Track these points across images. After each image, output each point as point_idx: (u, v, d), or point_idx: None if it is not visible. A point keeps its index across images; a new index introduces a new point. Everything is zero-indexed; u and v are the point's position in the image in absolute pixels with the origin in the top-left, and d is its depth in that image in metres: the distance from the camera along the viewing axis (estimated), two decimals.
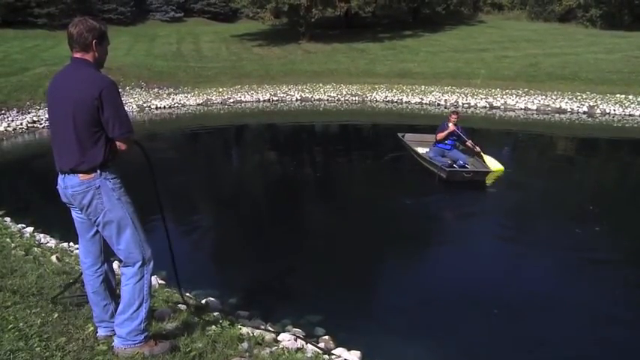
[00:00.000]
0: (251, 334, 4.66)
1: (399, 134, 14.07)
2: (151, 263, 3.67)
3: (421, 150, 12.61)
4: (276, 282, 7.04)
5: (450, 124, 11.85)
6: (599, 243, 8.42)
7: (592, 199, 10.45)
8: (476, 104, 21.38)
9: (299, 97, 23.43)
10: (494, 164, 11.66)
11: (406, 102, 22.15)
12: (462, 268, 7.49)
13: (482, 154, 11.86)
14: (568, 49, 29.87)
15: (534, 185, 11.43)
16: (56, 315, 4.14)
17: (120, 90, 3.52)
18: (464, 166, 11.67)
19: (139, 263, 3.60)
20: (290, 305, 6.35)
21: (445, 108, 21.14)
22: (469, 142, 11.95)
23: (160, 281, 6.17)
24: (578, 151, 15.89)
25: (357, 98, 23.09)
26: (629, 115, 19.36)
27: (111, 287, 3.84)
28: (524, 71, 24.96)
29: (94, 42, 3.45)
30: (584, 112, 19.86)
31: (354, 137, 17.90)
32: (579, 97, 21.04)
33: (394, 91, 23.42)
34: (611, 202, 10.50)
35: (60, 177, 3.55)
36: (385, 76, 25.99)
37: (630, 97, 20.82)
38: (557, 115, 19.79)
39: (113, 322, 3.71)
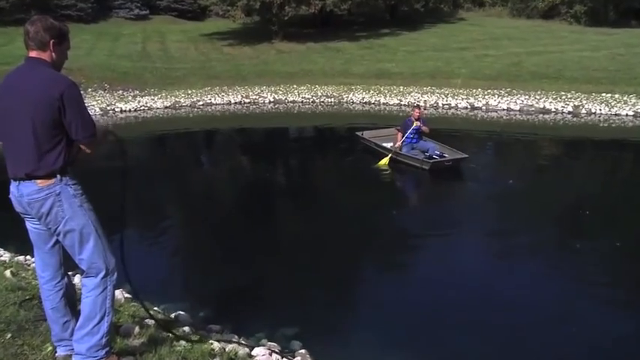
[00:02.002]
0: (223, 350, 4.63)
1: (358, 133, 14.86)
2: (115, 274, 3.62)
3: (387, 145, 13.60)
4: (250, 293, 7.01)
5: (417, 122, 13.02)
6: (590, 250, 8.48)
7: (580, 203, 10.56)
8: (456, 105, 21.54)
9: (272, 99, 23.40)
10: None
11: (384, 103, 22.24)
12: (445, 278, 7.51)
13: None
14: (552, 46, 30.24)
15: (519, 190, 11.54)
16: (9, 335, 4.04)
17: (81, 92, 3.48)
18: (440, 155, 12.86)
19: (102, 273, 3.55)
20: (265, 317, 6.32)
21: (424, 109, 21.26)
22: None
23: (126, 295, 6.10)
24: (563, 153, 16.01)
25: (332, 100, 23.14)
26: (616, 114, 19.55)
27: (71, 302, 3.78)
28: (507, 70, 25.22)
29: (51, 42, 3.41)
30: (569, 112, 20.04)
31: (330, 141, 17.93)
32: (564, 97, 21.26)
33: (371, 92, 23.52)
34: (600, 206, 10.61)
35: (13, 184, 3.48)
36: (362, 77, 26.10)
37: (616, 96, 21.05)
38: (541, 115, 19.99)
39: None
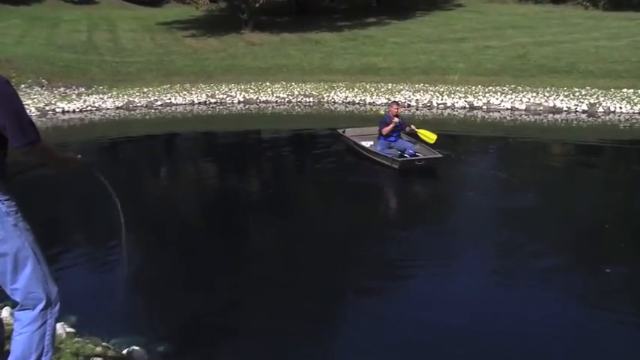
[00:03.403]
0: None
1: (339, 130, 15.52)
2: (57, 305, 3.56)
3: (365, 143, 14.30)
4: (216, 323, 6.97)
5: (396, 119, 13.73)
6: (615, 274, 8.35)
7: (599, 217, 10.56)
8: (453, 104, 21.65)
9: (242, 99, 23.36)
10: (428, 134, 13.89)
11: (370, 103, 22.29)
12: (436, 298, 7.55)
13: (416, 129, 13.93)
14: (563, 36, 30.42)
15: (527, 204, 11.52)
16: None
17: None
18: (414, 155, 13.47)
19: (42, 305, 3.47)
20: (234, 352, 6.28)
21: (417, 109, 21.38)
22: (407, 128, 14.01)
23: (69, 329, 6.01)
24: (578, 159, 15.87)
25: (311, 99, 23.17)
26: (639, 113, 19.58)
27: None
28: (511, 64, 25.43)
29: None
30: (584, 112, 20.09)
31: (309, 146, 17.91)
32: (577, 94, 21.32)
33: (356, 90, 23.58)
34: (622, 221, 10.60)
35: None
36: (345, 73, 26.18)
37: None
38: (550, 115, 20.10)
39: None
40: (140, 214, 11.23)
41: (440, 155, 13.23)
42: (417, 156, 13.50)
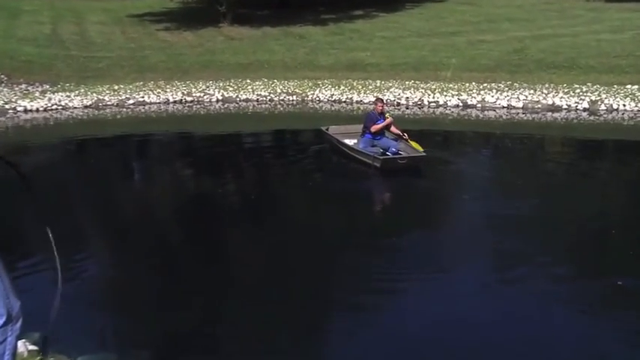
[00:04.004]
0: None
1: (323, 128, 15.84)
2: (20, 321, 3.49)
3: (348, 142, 14.64)
4: (191, 336, 6.93)
5: (389, 118, 14.18)
6: (627, 287, 8.36)
7: (604, 223, 10.57)
8: (446, 103, 21.70)
9: (220, 97, 23.30)
10: (418, 148, 14.09)
11: (357, 101, 22.31)
12: (430, 310, 7.56)
13: (409, 140, 14.16)
14: (563, 29, 30.43)
15: (525, 207, 11.53)
16: None
17: None
18: (397, 153, 13.81)
19: (1, 321, 3.41)
20: None
21: (407, 108, 21.41)
22: (394, 129, 14.31)
23: (31, 347, 5.93)
24: (579, 160, 15.93)
25: (295, 98, 23.15)
26: None
27: None
28: (507, 59, 25.50)
29: None
30: (585, 109, 20.18)
31: (291, 148, 17.89)
32: (578, 91, 21.40)
33: (342, 87, 23.58)
34: (630, 227, 10.60)
35: None
36: (330, 70, 26.16)
37: None
38: (549, 113, 20.19)
39: None
40: (110, 223, 11.19)
41: (423, 154, 13.54)
42: (399, 153, 13.82)
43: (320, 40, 31.56)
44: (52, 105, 21.81)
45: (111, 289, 8.70)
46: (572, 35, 28.65)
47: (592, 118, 19.62)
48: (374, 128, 14.07)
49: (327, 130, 15.76)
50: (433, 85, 23.30)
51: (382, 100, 15.46)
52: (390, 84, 23.76)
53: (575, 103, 20.55)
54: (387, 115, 14.35)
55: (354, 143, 14.56)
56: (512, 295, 8.15)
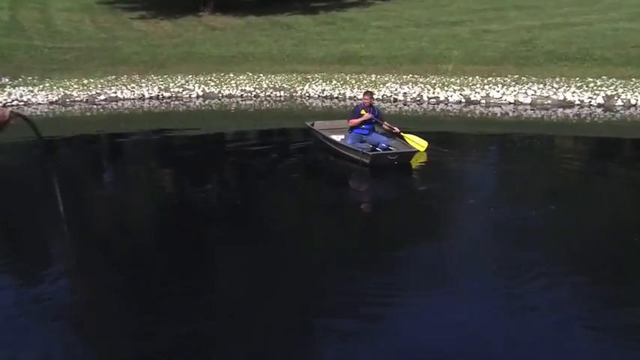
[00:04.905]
0: None
1: (308, 123, 16.18)
2: None
3: (336, 137, 14.86)
4: (170, 355, 6.92)
5: (364, 112, 14.25)
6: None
7: (624, 234, 10.51)
8: (447, 99, 21.74)
9: (201, 93, 23.34)
10: (417, 141, 14.35)
11: (351, 97, 22.35)
12: (433, 330, 7.54)
13: (402, 133, 14.40)
14: (575, 16, 30.56)
15: (536, 215, 11.34)
16: None
17: None
18: (387, 149, 13.98)
19: None
20: None
21: (404, 104, 21.46)
22: (386, 125, 14.49)
23: None
24: (592, 162, 15.75)
25: (282, 93, 23.19)
26: None
27: None
28: (514, 51, 25.59)
29: None
30: (600, 105, 20.20)
31: (278, 148, 17.85)
32: (592, 85, 21.44)
33: (334, 82, 23.65)
34: None
35: None
36: (321, 63, 26.26)
37: None
38: (560, 110, 20.20)
39: None
40: (81, 230, 11.12)
41: (416, 150, 13.92)
42: (389, 149, 14.00)
43: (310, 30, 31.61)
44: (13, 101, 21.79)
45: (82, 301, 8.68)
46: (585, 24, 28.73)
47: (607, 114, 19.61)
48: (350, 123, 14.39)
49: (312, 125, 16.00)
50: (433, 79, 23.39)
51: (371, 92, 15.52)
52: (387, 78, 23.84)
53: (589, 98, 20.57)
54: (362, 112, 14.37)
55: (342, 139, 14.77)
56: (526, 318, 8.02)
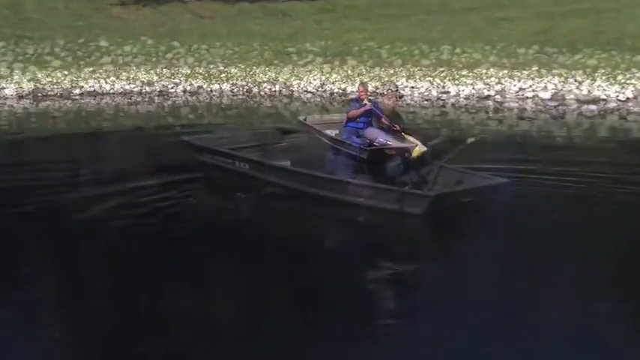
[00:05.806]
0: None
1: (300, 118, 16.26)
2: None
3: (330, 132, 14.86)
4: None
5: (367, 102, 14.20)
6: None
7: None
8: (458, 93, 21.82)
9: (187, 88, 23.35)
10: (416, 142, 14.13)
11: (352, 92, 22.30)
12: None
13: (403, 133, 14.14)
14: (603, 2, 30.36)
15: (557, 233, 11.26)
16: None
17: None
18: (385, 144, 13.88)
19: None
20: None
21: (411, 100, 21.49)
22: (384, 119, 14.24)
23: None
24: (623, 166, 15.25)
25: (277, 88, 23.20)
26: None
27: None
28: (533, 40, 25.57)
29: None
30: (628, 100, 20.23)
31: (271, 147, 17.85)
32: (620, 78, 21.50)
33: (334, 76, 23.68)
34: None
35: None
36: (320, 54, 26.18)
37: None
38: (585, 106, 20.21)
39: None
40: (47, 244, 11.05)
41: (415, 145, 13.74)
42: (387, 144, 13.99)
43: (307, 18, 31.64)
44: None
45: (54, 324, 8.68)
46: (613, 10, 28.60)
47: (637, 110, 19.57)
48: (350, 114, 14.39)
49: (304, 120, 16.01)
50: (443, 72, 23.40)
51: (364, 84, 15.52)
52: (392, 71, 23.83)
53: (616, 92, 20.61)
54: (365, 102, 14.33)
55: (336, 134, 14.86)
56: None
